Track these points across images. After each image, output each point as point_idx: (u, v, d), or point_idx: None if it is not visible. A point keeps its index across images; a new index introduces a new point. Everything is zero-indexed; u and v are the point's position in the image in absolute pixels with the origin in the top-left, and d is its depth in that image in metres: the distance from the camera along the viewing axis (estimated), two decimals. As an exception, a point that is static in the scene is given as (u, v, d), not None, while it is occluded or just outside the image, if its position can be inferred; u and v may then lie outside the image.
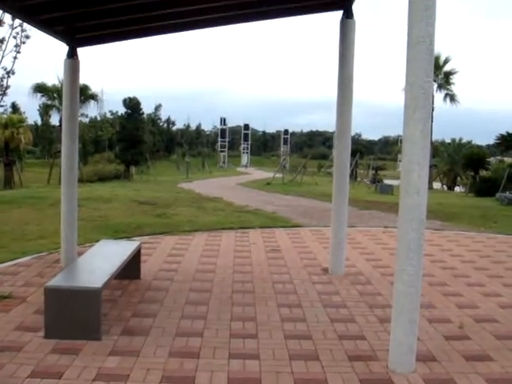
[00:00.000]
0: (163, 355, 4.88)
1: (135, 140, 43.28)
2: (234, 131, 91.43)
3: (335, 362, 4.83)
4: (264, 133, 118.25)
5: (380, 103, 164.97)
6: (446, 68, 38.78)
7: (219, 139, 79.58)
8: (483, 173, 32.12)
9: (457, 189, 37.19)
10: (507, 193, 23.67)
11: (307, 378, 4.49)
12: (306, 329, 5.75)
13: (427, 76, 4.47)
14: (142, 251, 7.99)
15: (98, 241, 8.42)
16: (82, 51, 8.46)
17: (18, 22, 12.15)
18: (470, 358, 4.97)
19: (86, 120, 52.96)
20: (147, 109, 62.35)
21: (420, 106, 4.44)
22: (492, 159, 37.78)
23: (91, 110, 49.34)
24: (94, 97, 44.68)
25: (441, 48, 51.38)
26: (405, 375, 4.56)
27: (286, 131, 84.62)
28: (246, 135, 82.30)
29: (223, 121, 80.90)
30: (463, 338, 5.54)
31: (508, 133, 29.87)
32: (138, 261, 7.61)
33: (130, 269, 7.27)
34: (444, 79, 38.81)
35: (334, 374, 4.58)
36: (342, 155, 7.99)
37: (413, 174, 4.45)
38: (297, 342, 5.32)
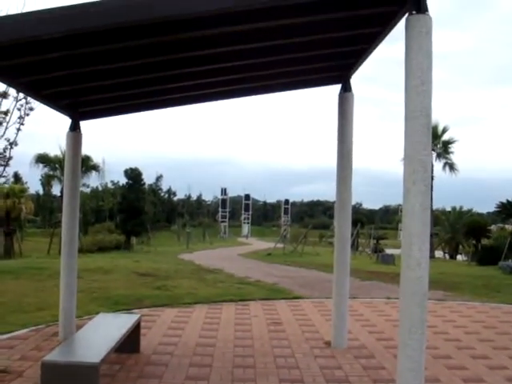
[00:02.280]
0: (162, 434, 4.76)
1: (136, 210, 43.28)
2: (235, 201, 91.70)
3: None
4: (265, 203, 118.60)
5: (380, 172, 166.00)
6: (445, 137, 39.15)
7: (220, 209, 79.70)
8: (485, 241, 32.02)
9: (459, 257, 36.96)
10: (510, 261, 23.54)
11: None
12: (308, 405, 5.62)
13: (425, 149, 4.53)
14: (142, 324, 7.89)
15: (97, 313, 8.35)
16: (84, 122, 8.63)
17: (22, 94, 12.40)
18: None
19: (88, 190, 53.23)
20: (148, 179, 62.75)
21: (419, 179, 4.47)
22: (493, 227, 37.76)
23: (93, 180, 49.69)
24: (95, 167, 45.03)
25: (440, 117, 52.22)
26: None
27: (287, 201, 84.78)
28: (246, 205, 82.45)
29: (224, 191, 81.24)
30: (470, 415, 5.42)
31: (508, 200, 30.00)
32: (137, 334, 7.51)
33: (129, 342, 7.16)
34: (443, 148, 39.13)
35: None
36: (342, 227, 8.00)
37: (413, 248, 4.44)
38: (299, 420, 5.19)
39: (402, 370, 4.56)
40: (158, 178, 77.49)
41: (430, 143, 4.65)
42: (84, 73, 6.79)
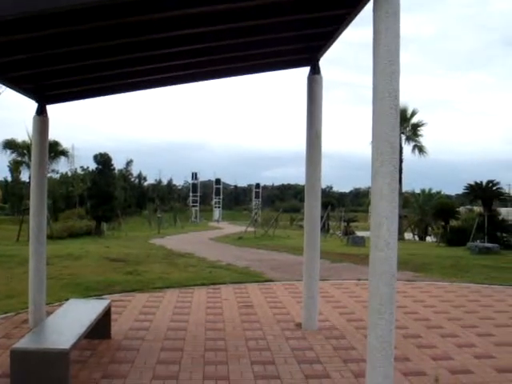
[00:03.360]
0: (133, 418, 4.75)
1: (106, 196, 42.89)
2: (206, 186, 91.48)
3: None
4: (235, 187, 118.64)
5: (350, 155, 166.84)
6: (414, 120, 39.43)
7: (191, 194, 79.49)
8: (453, 222, 32.42)
9: (428, 239, 37.41)
10: (478, 242, 23.91)
11: None
12: (279, 386, 5.65)
13: (393, 130, 4.54)
14: (113, 309, 7.86)
15: (67, 299, 8.28)
16: (51, 106, 8.49)
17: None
18: (445, 413, 4.93)
19: (57, 176, 52.65)
20: (118, 164, 62.24)
21: (387, 159, 4.49)
22: (461, 209, 38.22)
23: (62, 166, 49.20)
24: (64, 153, 44.57)
25: (408, 100, 52.45)
26: (381, 432, 4.48)
27: (258, 185, 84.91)
28: (217, 190, 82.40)
29: (194, 175, 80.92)
30: (438, 392, 5.50)
31: (476, 182, 30.33)
32: (108, 320, 7.46)
33: (100, 328, 7.12)
34: (412, 131, 39.42)
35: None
36: (312, 209, 8.02)
37: (382, 228, 4.46)
38: (271, 401, 5.21)
39: (372, 349, 4.60)
40: (128, 163, 76.97)
41: (398, 124, 4.66)
42: (47, 55, 6.67)
